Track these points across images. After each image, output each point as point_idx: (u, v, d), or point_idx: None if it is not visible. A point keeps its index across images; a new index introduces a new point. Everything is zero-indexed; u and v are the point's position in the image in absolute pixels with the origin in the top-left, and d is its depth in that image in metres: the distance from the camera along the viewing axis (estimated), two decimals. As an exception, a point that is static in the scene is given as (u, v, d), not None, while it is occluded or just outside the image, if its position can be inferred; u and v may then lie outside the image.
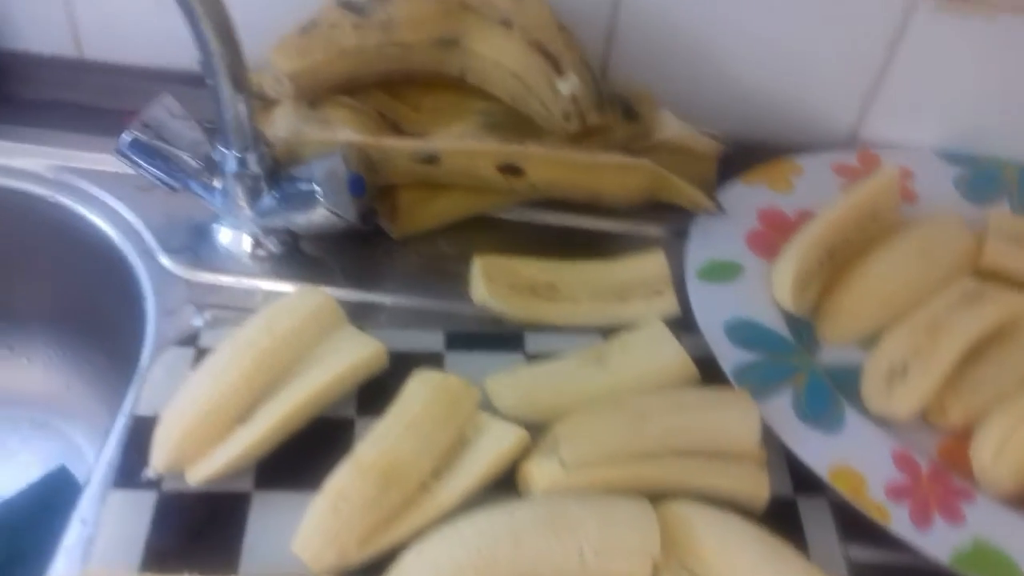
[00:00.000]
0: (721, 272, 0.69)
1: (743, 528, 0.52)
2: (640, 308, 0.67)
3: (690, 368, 0.60)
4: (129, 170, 0.67)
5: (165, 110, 0.67)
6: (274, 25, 0.71)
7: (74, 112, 0.81)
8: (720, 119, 0.80)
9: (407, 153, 0.70)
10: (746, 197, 0.75)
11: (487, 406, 0.58)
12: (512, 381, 0.60)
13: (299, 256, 0.71)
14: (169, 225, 0.71)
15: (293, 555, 0.50)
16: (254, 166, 0.65)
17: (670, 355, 0.61)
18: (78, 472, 0.78)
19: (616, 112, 0.76)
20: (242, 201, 0.67)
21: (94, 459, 0.52)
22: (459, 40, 0.73)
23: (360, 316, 0.65)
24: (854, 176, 0.78)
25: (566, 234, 0.75)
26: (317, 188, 0.64)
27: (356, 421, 0.58)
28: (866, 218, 0.71)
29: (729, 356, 0.62)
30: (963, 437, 0.61)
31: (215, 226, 0.71)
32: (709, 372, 0.61)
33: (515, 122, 0.74)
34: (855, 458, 0.57)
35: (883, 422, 0.61)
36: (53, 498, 0.75)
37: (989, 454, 0.58)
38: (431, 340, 0.64)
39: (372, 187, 0.69)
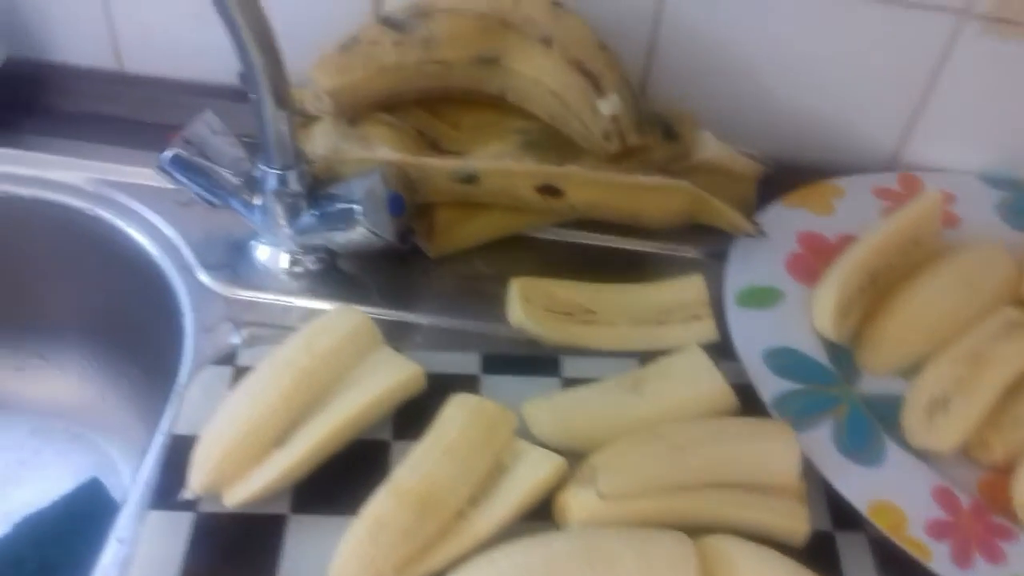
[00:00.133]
0: (761, 298, 0.68)
1: (781, 564, 0.51)
2: (678, 333, 0.66)
3: (729, 397, 0.59)
4: (167, 184, 0.68)
5: (207, 126, 0.67)
6: (315, 42, 0.71)
7: (114, 125, 0.81)
8: (760, 139, 0.79)
9: (446, 172, 0.69)
10: (786, 220, 0.74)
11: (523, 432, 0.58)
12: (549, 407, 0.60)
13: (336, 274, 0.71)
14: (207, 241, 0.71)
15: (330, 581, 0.50)
16: (294, 184, 0.65)
17: (709, 383, 0.60)
18: (111, 484, 0.78)
19: (656, 132, 0.75)
20: (281, 219, 0.67)
21: (127, 472, 0.52)
22: (499, 58, 0.72)
23: (396, 336, 0.65)
24: (896, 200, 0.77)
25: (603, 255, 0.75)
26: (356, 207, 0.64)
27: (392, 444, 0.58)
28: (909, 243, 0.70)
29: (768, 385, 0.62)
30: (1004, 472, 0.60)
31: (253, 243, 0.71)
32: (748, 400, 0.60)
33: (554, 142, 0.74)
34: (895, 493, 0.56)
35: (923, 455, 0.60)
36: (85, 510, 0.75)
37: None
38: (467, 362, 0.64)
39: (410, 205, 0.69)
